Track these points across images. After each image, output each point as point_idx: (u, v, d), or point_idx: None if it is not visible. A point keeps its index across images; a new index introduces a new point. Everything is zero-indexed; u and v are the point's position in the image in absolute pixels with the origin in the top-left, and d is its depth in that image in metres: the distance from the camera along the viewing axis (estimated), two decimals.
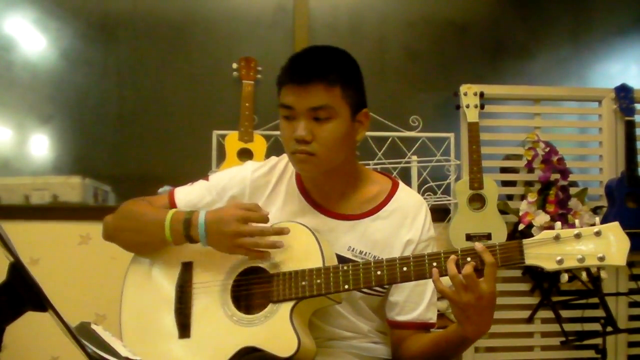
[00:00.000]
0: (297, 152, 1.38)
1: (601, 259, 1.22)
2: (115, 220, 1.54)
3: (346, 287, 1.34)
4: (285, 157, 1.55)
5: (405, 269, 1.31)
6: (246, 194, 1.51)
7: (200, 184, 1.56)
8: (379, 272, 1.33)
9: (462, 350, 1.41)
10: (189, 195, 1.53)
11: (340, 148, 1.40)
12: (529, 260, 1.25)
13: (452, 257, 1.26)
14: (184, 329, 1.43)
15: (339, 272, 1.34)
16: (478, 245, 1.26)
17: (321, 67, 1.37)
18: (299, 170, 1.46)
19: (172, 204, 1.53)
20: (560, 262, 1.24)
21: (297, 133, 1.36)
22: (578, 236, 1.24)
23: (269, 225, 1.39)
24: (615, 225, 1.24)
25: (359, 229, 1.47)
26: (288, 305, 1.36)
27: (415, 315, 1.45)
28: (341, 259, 1.43)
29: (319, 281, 1.34)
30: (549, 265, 1.24)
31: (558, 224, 1.29)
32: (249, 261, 1.43)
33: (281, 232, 1.37)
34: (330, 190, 1.48)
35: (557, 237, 1.25)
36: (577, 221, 1.29)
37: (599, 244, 1.23)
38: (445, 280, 1.27)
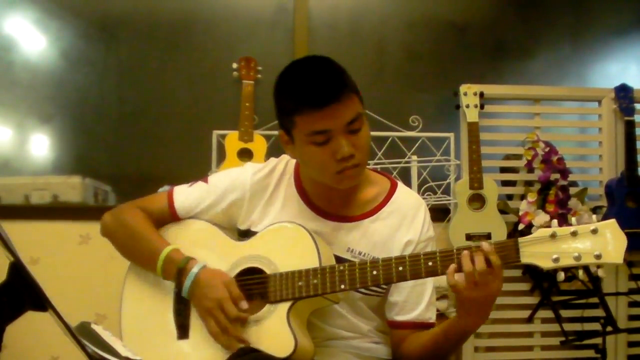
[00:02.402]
0: (348, 169, 1.36)
1: (598, 256, 1.21)
2: (112, 225, 1.54)
3: (342, 287, 1.34)
4: (284, 159, 1.55)
5: (401, 268, 1.31)
6: (246, 198, 1.50)
7: (199, 185, 1.55)
8: (374, 272, 1.33)
9: (461, 343, 1.42)
10: (189, 198, 1.53)
11: (370, 148, 1.43)
12: (525, 259, 1.25)
13: (466, 252, 1.25)
14: (183, 330, 1.43)
15: (335, 272, 1.34)
16: (486, 245, 1.25)
17: (338, 80, 1.34)
18: (347, 185, 1.42)
19: (171, 206, 1.53)
20: (556, 260, 1.23)
21: (343, 151, 1.33)
22: (574, 234, 1.23)
23: (236, 328, 1.35)
24: (612, 223, 1.23)
25: (358, 231, 1.47)
26: (285, 306, 1.36)
27: (415, 315, 1.45)
28: (340, 261, 1.43)
29: (315, 281, 1.34)
30: (545, 264, 1.24)
31: (554, 221, 1.29)
32: (247, 262, 1.43)
33: (241, 341, 1.34)
34: (329, 192, 1.47)
35: (553, 235, 1.24)
36: (574, 219, 1.28)
37: (595, 242, 1.22)
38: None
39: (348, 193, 1.48)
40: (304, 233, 1.39)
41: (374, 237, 1.46)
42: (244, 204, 1.50)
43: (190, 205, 1.52)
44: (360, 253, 1.45)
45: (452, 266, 1.26)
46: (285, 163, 1.54)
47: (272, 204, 1.50)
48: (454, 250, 1.28)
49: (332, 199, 1.48)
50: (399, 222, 1.47)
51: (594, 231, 1.22)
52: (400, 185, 1.54)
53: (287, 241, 1.40)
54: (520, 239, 1.26)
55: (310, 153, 1.36)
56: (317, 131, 1.33)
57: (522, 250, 1.25)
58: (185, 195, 1.54)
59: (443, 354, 1.43)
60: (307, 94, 1.32)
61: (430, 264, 1.30)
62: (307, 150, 1.36)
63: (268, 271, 1.40)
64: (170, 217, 1.54)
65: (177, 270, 1.40)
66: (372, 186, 1.52)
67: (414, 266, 1.31)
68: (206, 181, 1.55)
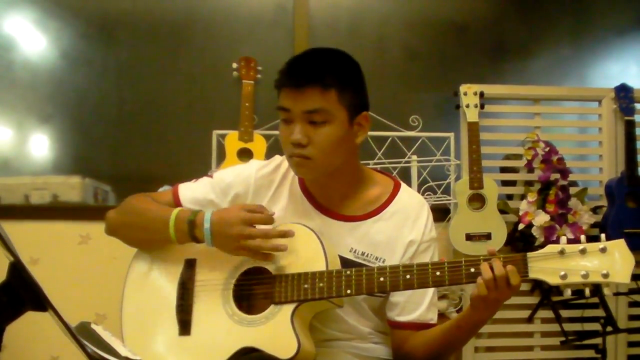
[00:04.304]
0: (294, 156, 1.39)
1: (605, 275, 1.22)
2: (118, 215, 1.55)
3: (348, 292, 1.35)
4: None
5: (408, 276, 1.32)
6: (250, 193, 1.51)
7: (204, 181, 1.56)
8: (381, 279, 1.33)
9: (472, 335, 1.44)
10: (194, 193, 1.54)
11: (337, 152, 1.40)
12: (533, 274, 1.26)
13: (495, 258, 1.27)
14: (185, 326, 1.43)
15: (341, 276, 1.35)
16: (510, 267, 1.26)
17: (316, 70, 1.37)
18: (296, 173, 1.46)
19: (176, 201, 1.53)
20: (563, 277, 1.24)
21: (292, 137, 1.37)
22: (583, 252, 1.24)
23: (273, 227, 1.39)
24: (620, 242, 1.24)
25: (361, 231, 1.47)
26: (289, 307, 1.36)
27: (416, 316, 1.45)
28: (343, 261, 1.43)
29: (321, 285, 1.35)
30: (553, 280, 1.25)
31: (564, 238, 1.28)
32: (252, 261, 1.43)
33: (285, 234, 1.37)
34: (332, 192, 1.49)
35: (561, 252, 1.25)
36: (582, 236, 1.28)
37: (603, 261, 1.23)
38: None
39: (350, 193, 1.49)
40: (312, 235, 1.39)
41: (377, 237, 1.46)
42: (247, 198, 1.50)
43: (195, 199, 1.52)
44: (363, 253, 1.46)
45: (486, 266, 1.28)
46: None
47: (276, 201, 1.50)
48: (462, 262, 1.30)
49: (334, 198, 1.49)
50: (402, 223, 1.48)
51: (603, 250, 1.24)
52: (404, 186, 1.54)
53: (294, 242, 1.40)
54: (529, 254, 1.27)
55: (280, 128, 1.43)
56: (280, 106, 1.40)
57: (530, 265, 1.26)
58: (190, 190, 1.54)
59: (454, 347, 1.45)
60: (286, 71, 1.40)
61: (438, 273, 1.31)
62: (279, 125, 1.43)
63: (274, 272, 1.40)
64: None
65: (188, 223, 1.40)
66: (375, 186, 1.52)
67: (422, 275, 1.32)
68: (211, 177, 1.56)
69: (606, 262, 1.23)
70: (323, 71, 1.37)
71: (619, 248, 1.23)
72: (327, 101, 1.36)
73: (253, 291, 1.42)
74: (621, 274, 1.22)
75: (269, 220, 1.40)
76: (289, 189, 1.51)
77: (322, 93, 1.36)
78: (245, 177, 1.52)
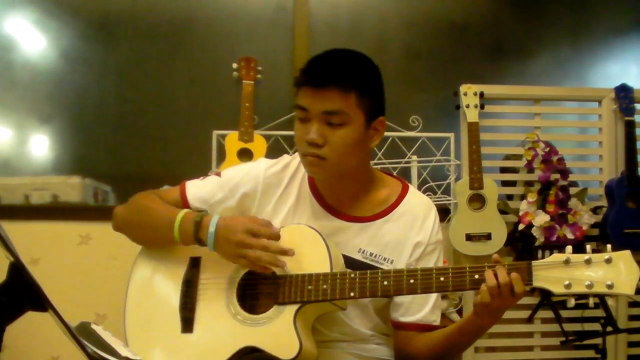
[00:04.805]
0: (308, 155, 1.39)
1: (610, 286, 1.22)
2: (125, 212, 1.55)
3: (352, 294, 1.35)
4: (298, 156, 1.55)
5: (412, 281, 1.32)
6: (258, 192, 1.51)
7: (212, 179, 1.55)
8: (385, 283, 1.33)
9: (475, 340, 1.44)
10: (201, 191, 1.53)
11: (352, 154, 1.40)
12: (537, 282, 1.26)
13: (499, 266, 1.27)
14: (187, 324, 1.44)
15: (345, 279, 1.35)
16: (514, 275, 1.26)
17: (338, 72, 1.37)
18: (309, 172, 1.46)
19: (184, 198, 1.53)
20: (568, 286, 1.24)
21: (309, 136, 1.37)
22: (588, 262, 1.24)
23: (276, 242, 1.37)
24: (626, 254, 1.24)
25: (369, 231, 1.47)
26: (292, 308, 1.36)
27: (420, 317, 1.46)
28: (351, 261, 1.44)
29: (325, 287, 1.35)
30: (557, 289, 1.25)
31: (569, 247, 1.28)
32: None
33: (285, 253, 1.36)
34: (342, 192, 1.49)
35: (567, 261, 1.25)
36: (588, 246, 1.28)
37: (608, 271, 1.23)
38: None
39: (360, 194, 1.49)
40: (317, 237, 1.39)
41: (385, 238, 1.47)
42: (256, 197, 1.50)
43: (203, 198, 1.52)
44: (371, 254, 1.46)
45: (490, 274, 1.28)
46: (299, 161, 1.53)
47: (284, 201, 1.50)
48: (467, 268, 1.30)
49: (343, 198, 1.49)
50: (411, 224, 1.48)
51: (608, 260, 1.23)
52: (412, 188, 1.55)
53: (300, 244, 1.40)
54: (534, 262, 1.27)
55: (295, 127, 1.43)
56: (297, 105, 1.40)
57: (535, 274, 1.27)
58: (198, 188, 1.54)
59: (457, 350, 1.45)
60: (306, 69, 1.40)
61: (442, 279, 1.31)
62: (295, 123, 1.43)
63: (278, 272, 1.40)
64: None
65: (194, 224, 1.40)
66: (384, 188, 1.52)
67: (426, 280, 1.32)
68: (219, 175, 1.56)
69: (611, 272, 1.22)
70: (344, 73, 1.37)
71: (624, 259, 1.23)
72: (346, 103, 1.36)
73: (257, 291, 1.42)
74: (626, 286, 1.21)
75: (275, 236, 1.38)
76: (298, 188, 1.51)
77: (342, 95, 1.36)
78: (254, 176, 1.52)
